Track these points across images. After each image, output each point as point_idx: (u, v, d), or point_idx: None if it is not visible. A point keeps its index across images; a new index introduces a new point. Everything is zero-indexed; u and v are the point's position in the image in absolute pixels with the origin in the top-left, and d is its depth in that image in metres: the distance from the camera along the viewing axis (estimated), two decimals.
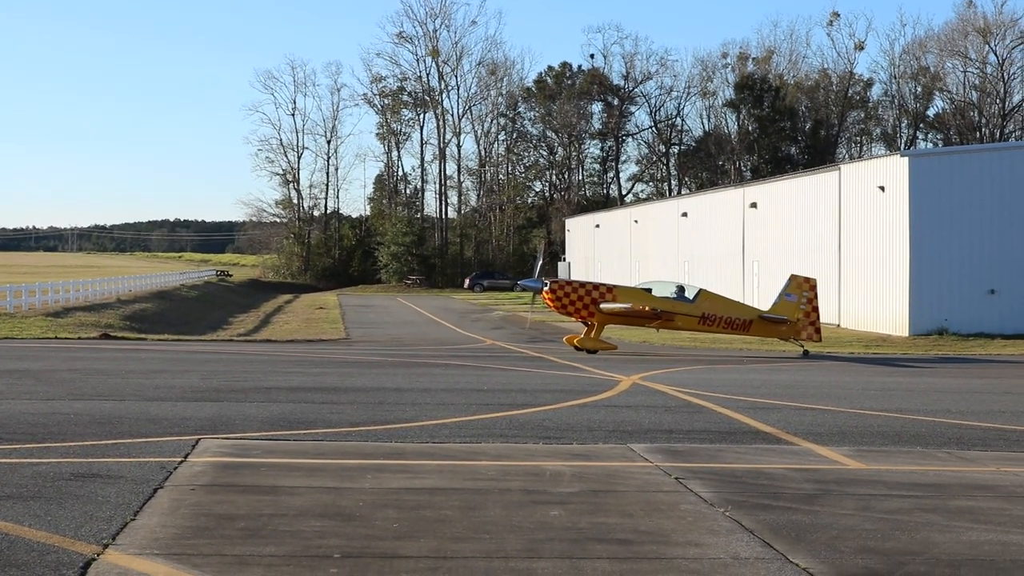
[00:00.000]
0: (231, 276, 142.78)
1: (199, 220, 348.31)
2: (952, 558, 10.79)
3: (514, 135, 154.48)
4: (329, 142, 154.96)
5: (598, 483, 14.18)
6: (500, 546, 10.86)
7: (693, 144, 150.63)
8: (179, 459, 15.08)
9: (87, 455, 15.29)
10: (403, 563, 10.19)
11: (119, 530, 11.13)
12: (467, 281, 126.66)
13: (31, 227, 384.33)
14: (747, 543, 11.19)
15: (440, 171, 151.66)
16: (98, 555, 10.21)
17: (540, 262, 47.22)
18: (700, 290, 42.02)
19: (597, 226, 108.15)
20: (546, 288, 41.03)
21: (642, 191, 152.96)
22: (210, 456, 15.41)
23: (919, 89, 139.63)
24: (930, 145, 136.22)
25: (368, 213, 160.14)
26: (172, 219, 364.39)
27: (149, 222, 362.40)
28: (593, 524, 11.86)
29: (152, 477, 13.81)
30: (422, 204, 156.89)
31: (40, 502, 12.29)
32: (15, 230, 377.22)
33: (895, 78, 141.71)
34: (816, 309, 41.25)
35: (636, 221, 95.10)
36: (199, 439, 16.87)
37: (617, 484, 14.15)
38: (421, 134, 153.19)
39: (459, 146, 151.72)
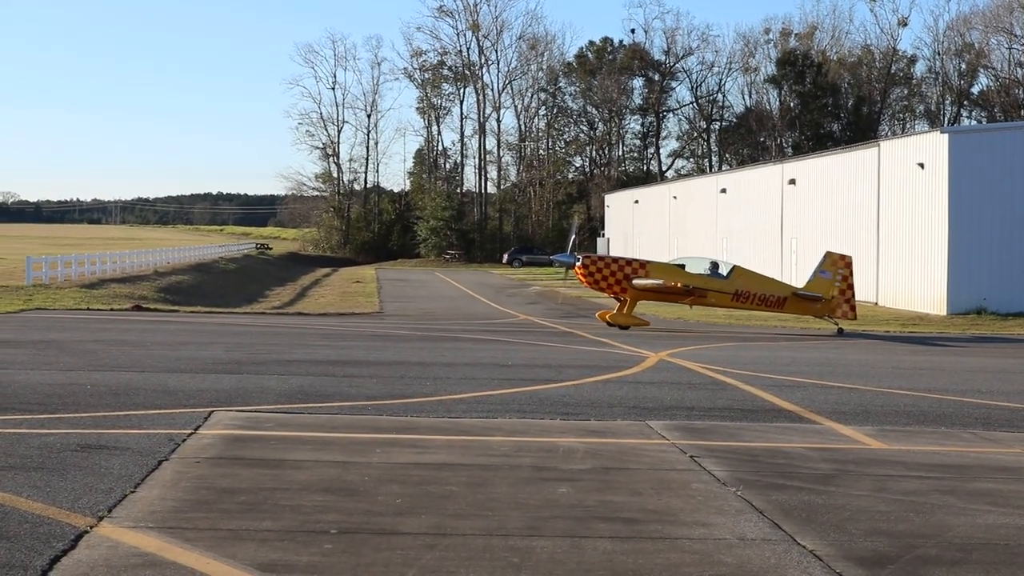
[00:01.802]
0: (271, 249, 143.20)
1: (242, 193, 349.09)
2: (965, 542, 10.50)
3: (554, 110, 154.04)
4: (369, 116, 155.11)
5: (611, 460, 13.93)
6: (502, 523, 10.64)
7: (734, 120, 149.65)
8: (189, 431, 14.92)
9: (97, 426, 15.16)
10: (400, 539, 9.99)
11: (116, 503, 10.97)
12: (505, 256, 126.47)
13: (75, 199, 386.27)
14: (755, 524, 10.94)
15: (480, 146, 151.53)
16: (91, 528, 10.05)
17: (573, 237, 46.98)
18: (734, 267, 41.65)
19: (636, 202, 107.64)
20: (578, 263, 40.75)
21: (683, 167, 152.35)
22: (221, 429, 15.25)
23: (963, 66, 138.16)
24: (974, 123, 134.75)
25: (408, 187, 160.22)
26: (215, 192, 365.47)
27: (192, 195, 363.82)
28: (600, 502, 11.63)
29: (159, 449, 13.65)
30: (462, 179, 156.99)
31: (42, 473, 12.16)
32: (60, 202, 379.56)
33: (939, 54, 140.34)
34: (851, 287, 40.80)
35: (675, 197, 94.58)
36: (212, 411, 16.71)
37: (630, 461, 13.90)
38: (461, 108, 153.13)
39: (499, 121, 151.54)
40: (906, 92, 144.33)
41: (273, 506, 11.06)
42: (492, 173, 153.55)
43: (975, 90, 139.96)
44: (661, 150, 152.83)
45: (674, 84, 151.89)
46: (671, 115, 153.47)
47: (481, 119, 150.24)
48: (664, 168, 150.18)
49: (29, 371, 21.34)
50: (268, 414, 16.83)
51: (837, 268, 40.72)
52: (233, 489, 11.73)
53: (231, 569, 9.03)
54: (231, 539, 9.87)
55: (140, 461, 12.91)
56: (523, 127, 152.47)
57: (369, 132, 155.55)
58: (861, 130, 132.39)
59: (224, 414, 16.54)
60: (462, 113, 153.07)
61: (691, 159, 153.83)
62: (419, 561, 9.36)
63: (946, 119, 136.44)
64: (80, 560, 9.15)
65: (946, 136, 51.08)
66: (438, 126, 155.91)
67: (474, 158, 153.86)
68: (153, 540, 9.75)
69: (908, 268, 53.19)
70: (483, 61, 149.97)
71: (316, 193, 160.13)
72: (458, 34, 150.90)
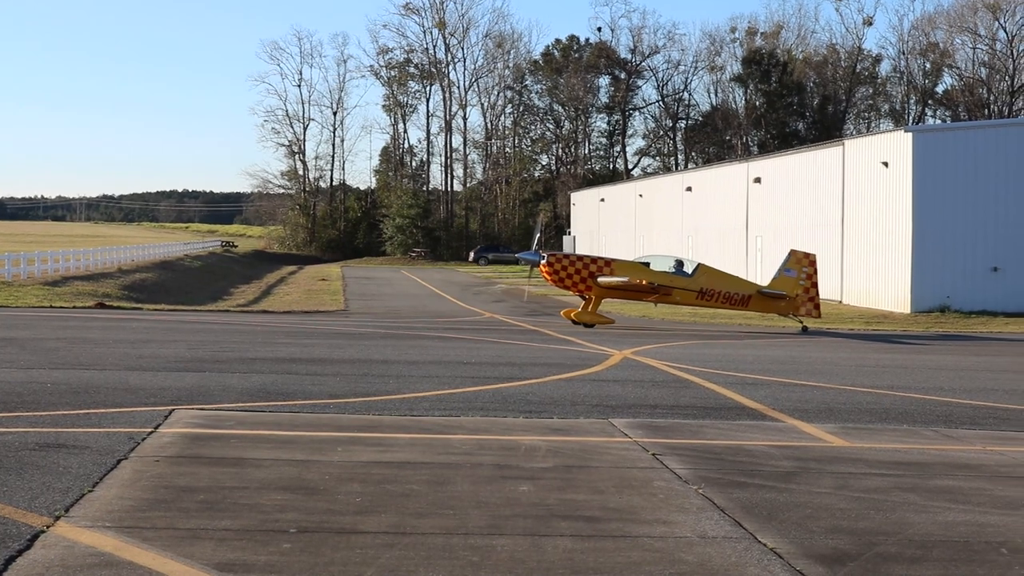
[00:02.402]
0: (236, 247, 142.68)
1: (207, 191, 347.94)
2: (925, 539, 10.51)
3: (521, 108, 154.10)
4: (335, 113, 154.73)
5: (573, 458, 13.90)
6: (462, 522, 10.58)
7: (700, 119, 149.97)
8: (149, 430, 14.80)
9: (56, 425, 15.02)
10: (359, 539, 9.93)
11: (74, 502, 10.85)
12: (472, 254, 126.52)
13: (39, 196, 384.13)
14: (716, 522, 10.92)
15: (446, 144, 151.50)
16: (48, 527, 9.93)
17: (538, 235, 47.01)
18: (699, 265, 41.73)
19: (602, 200, 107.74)
20: (543, 261, 40.75)
21: (649, 166, 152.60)
22: (181, 427, 15.13)
23: (928, 65, 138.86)
24: (938, 122, 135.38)
25: (374, 185, 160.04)
26: (180, 190, 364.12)
27: (157, 192, 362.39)
28: (561, 501, 11.59)
29: (118, 448, 13.54)
30: (428, 177, 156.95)
31: None
32: (23, 199, 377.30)
33: (904, 54, 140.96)
34: (815, 285, 40.94)
35: (641, 195, 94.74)
36: (173, 409, 16.59)
37: (592, 460, 13.87)
38: (427, 106, 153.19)
39: (465, 119, 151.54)
40: (871, 91, 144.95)
41: (232, 505, 10.98)
42: (458, 171, 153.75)
43: (939, 89, 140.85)
44: (627, 148, 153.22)
45: (640, 82, 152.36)
46: (637, 113, 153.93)
47: (447, 117, 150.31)
48: (630, 166, 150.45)
49: None
50: (229, 412, 16.72)
51: (801, 266, 40.86)
52: (192, 488, 11.64)
53: (188, 568, 8.95)
54: (189, 538, 9.79)
55: (99, 460, 12.80)
56: (489, 125, 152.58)
57: (335, 130, 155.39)
58: (826, 129, 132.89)
59: (185, 412, 16.42)
60: (428, 111, 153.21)
61: (657, 157, 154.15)
62: (378, 560, 9.31)
63: (910, 118, 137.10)
64: (36, 560, 9.05)
65: (910, 135, 51.35)
66: (404, 124, 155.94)
67: (440, 156, 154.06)
68: (110, 540, 9.65)
69: (872, 266, 53.43)
70: (449, 59, 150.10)
71: (282, 191, 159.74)
72: (424, 32, 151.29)
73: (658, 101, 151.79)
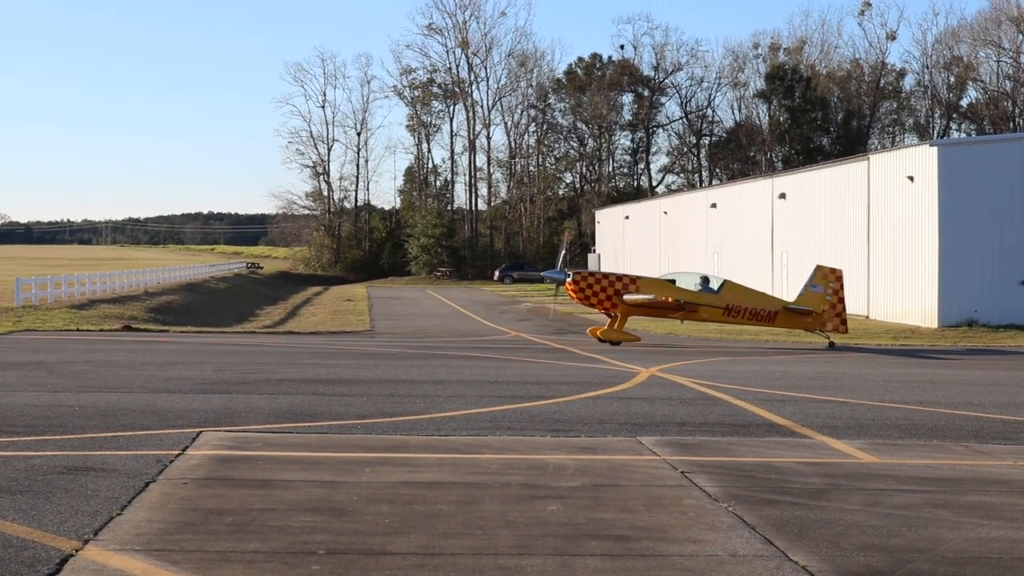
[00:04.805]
0: (261, 268, 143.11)
1: (232, 213, 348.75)
2: (958, 556, 10.42)
3: (544, 126, 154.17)
4: (359, 134, 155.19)
5: (601, 477, 13.84)
6: (491, 543, 10.54)
7: (724, 135, 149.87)
8: (177, 452, 14.82)
9: (84, 448, 15.06)
10: (389, 560, 9.89)
11: (103, 525, 10.86)
12: (497, 273, 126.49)
13: (66, 220, 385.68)
14: (747, 540, 10.85)
15: (470, 163, 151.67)
16: (77, 551, 9.94)
17: (563, 253, 46.94)
18: (725, 281, 41.63)
19: (627, 217, 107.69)
20: (569, 279, 40.71)
21: (673, 183, 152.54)
22: (209, 449, 15.14)
23: (952, 79, 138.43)
24: (963, 135, 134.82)
25: (398, 205, 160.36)
26: (206, 212, 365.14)
27: (183, 215, 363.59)
28: (591, 520, 11.54)
29: (146, 471, 13.54)
30: (452, 196, 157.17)
31: (28, 496, 12.04)
32: (50, 223, 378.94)
33: (928, 68, 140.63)
34: (842, 300, 40.78)
35: (665, 212, 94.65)
36: (200, 432, 16.60)
37: (621, 478, 13.81)
38: (451, 126, 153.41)
39: (489, 138, 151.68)
40: (895, 106, 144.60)
41: (261, 527, 10.96)
42: (482, 190, 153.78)
43: (964, 103, 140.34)
44: (651, 166, 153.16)
45: (663, 99, 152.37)
46: (661, 130, 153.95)
47: (471, 136, 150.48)
48: (654, 184, 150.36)
49: (17, 393, 21.22)
50: (257, 434, 16.73)
51: (828, 282, 40.70)
52: (220, 510, 11.63)
53: None
54: (218, 561, 9.77)
55: (127, 483, 12.81)
56: (513, 144, 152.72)
57: (359, 150, 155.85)
58: (851, 144, 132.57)
59: (212, 434, 16.43)
60: (452, 130, 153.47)
61: (681, 174, 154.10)
62: None
63: (935, 132, 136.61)
64: None
65: (935, 149, 51.13)
66: (428, 143, 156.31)
67: (464, 175, 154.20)
68: (139, 563, 9.64)
69: (899, 281, 53.19)
70: (472, 78, 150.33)
71: (307, 212, 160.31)
72: (447, 51, 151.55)
73: (682, 118, 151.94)
